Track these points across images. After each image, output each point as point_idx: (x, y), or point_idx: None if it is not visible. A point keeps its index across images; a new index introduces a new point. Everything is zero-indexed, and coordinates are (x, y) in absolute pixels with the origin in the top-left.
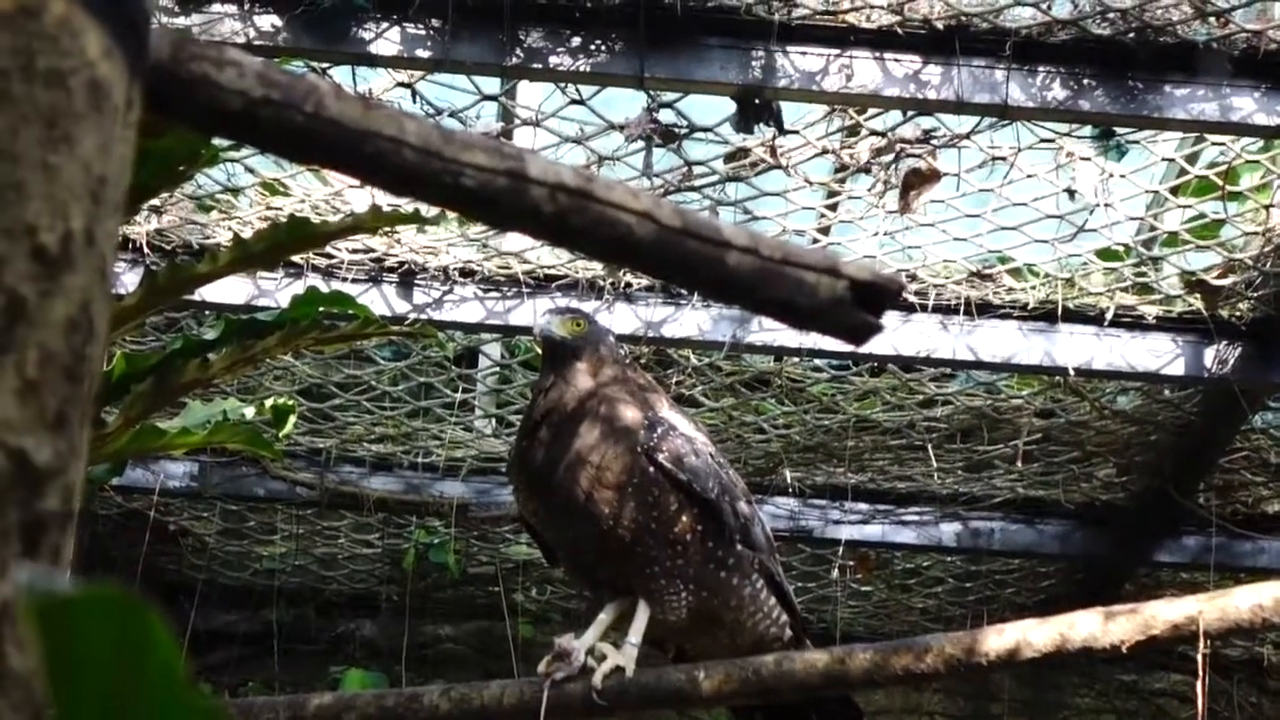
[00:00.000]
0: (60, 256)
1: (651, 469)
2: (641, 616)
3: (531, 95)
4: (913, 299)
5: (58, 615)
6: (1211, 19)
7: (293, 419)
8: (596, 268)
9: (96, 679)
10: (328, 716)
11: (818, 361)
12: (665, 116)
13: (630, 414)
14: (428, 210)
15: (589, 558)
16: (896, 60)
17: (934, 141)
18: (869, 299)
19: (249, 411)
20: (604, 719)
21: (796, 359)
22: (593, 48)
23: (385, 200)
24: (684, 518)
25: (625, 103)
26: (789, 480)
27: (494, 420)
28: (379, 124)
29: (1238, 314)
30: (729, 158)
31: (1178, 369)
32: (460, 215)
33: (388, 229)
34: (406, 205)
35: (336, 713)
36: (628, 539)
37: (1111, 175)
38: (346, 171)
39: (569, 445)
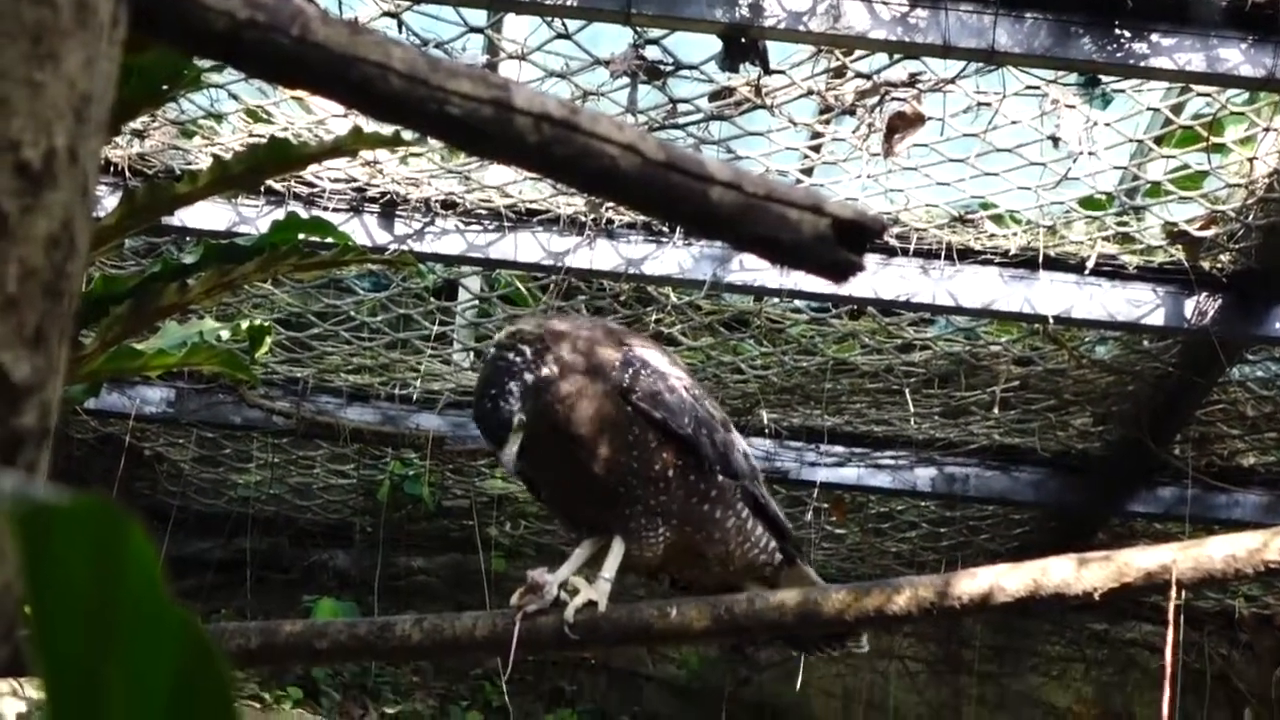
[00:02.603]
0: (43, 173)
1: (629, 408)
2: (616, 553)
3: (517, 29)
4: (894, 243)
5: (38, 524)
6: None
7: (269, 340)
8: (578, 203)
9: (75, 588)
10: (300, 644)
11: (797, 303)
12: (651, 53)
13: (605, 354)
14: (410, 133)
15: (571, 497)
16: (884, 3)
17: (919, 85)
18: (851, 237)
19: (225, 333)
20: (575, 653)
21: (776, 300)
22: None
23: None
24: (664, 454)
25: (611, 38)
26: (765, 421)
27: (472, 354)
28: (365, 50)
29: (1219, 266)
30: (714, 96)
31: (1157, 319)
32: (445, 144)
33: (370, 157)
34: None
35: (308, 640)
36: (610, 479)
37: (1096, 123)
38: (331, 97)
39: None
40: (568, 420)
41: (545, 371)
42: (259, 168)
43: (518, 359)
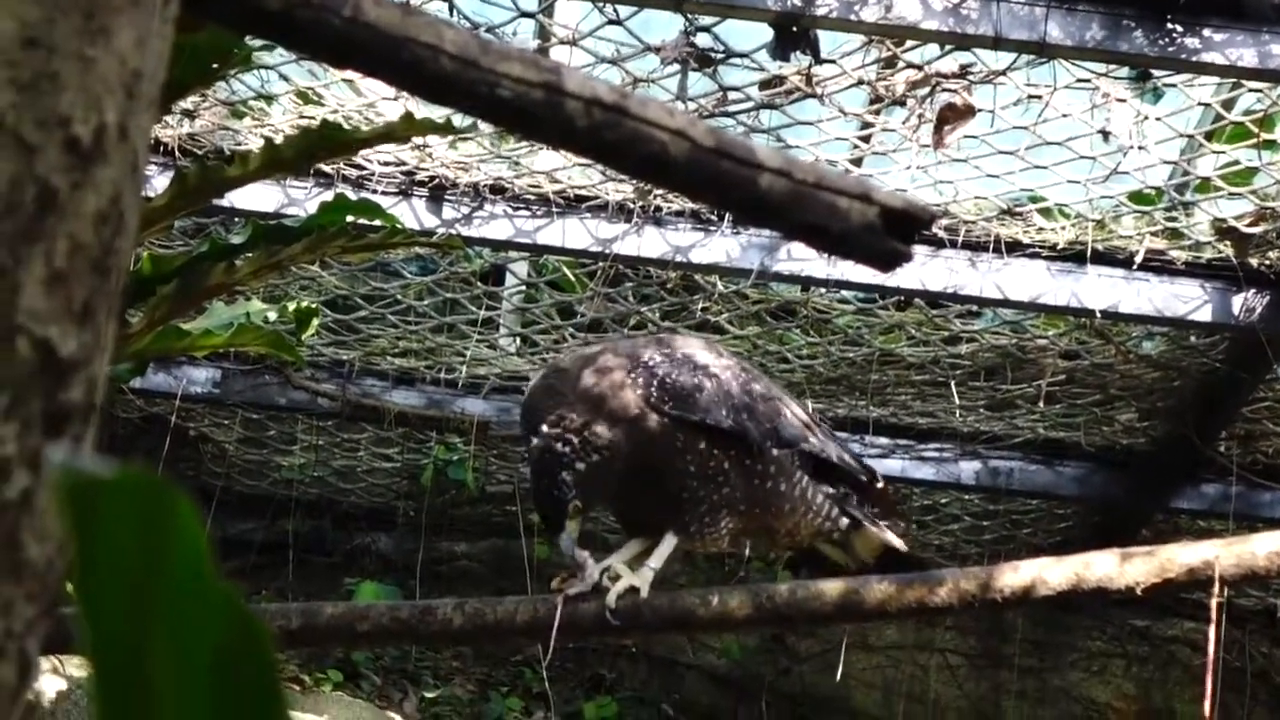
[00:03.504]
0: (93, 149)
1: (666, 419)
2: (667, 543)
3: (569, 14)
4: (942, 234)
5: (86, 496)
6: None
7: (315, 322)
8: (626, 190)
9: (121, 561)
10: (341, 626)
11: (844, 293)
12: (702, 40)
13: (638, 357)
14: (460, 119)
15: (636, 510)
16: None
17: (970, 77)
18: (900, 227)
19: (272, 315)
20: (616, 639)
21: (823, 290)
22: None
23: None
24: (715, 450)
25: (663, 25)
26: (810, 411)
27: (518, 339)
28: (417, 30)
29: (1267, 262)
30: (764, 85)
31: (1205, 315)
32: (495, 127)
33: (419, 141)
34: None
35: (350, 622)
36: (672, 487)
37: (1146, 118)
38: (383, 78)
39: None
40: (621, 464)
41: (596, 457)
42: (310, 152)
43: (565, 449)
